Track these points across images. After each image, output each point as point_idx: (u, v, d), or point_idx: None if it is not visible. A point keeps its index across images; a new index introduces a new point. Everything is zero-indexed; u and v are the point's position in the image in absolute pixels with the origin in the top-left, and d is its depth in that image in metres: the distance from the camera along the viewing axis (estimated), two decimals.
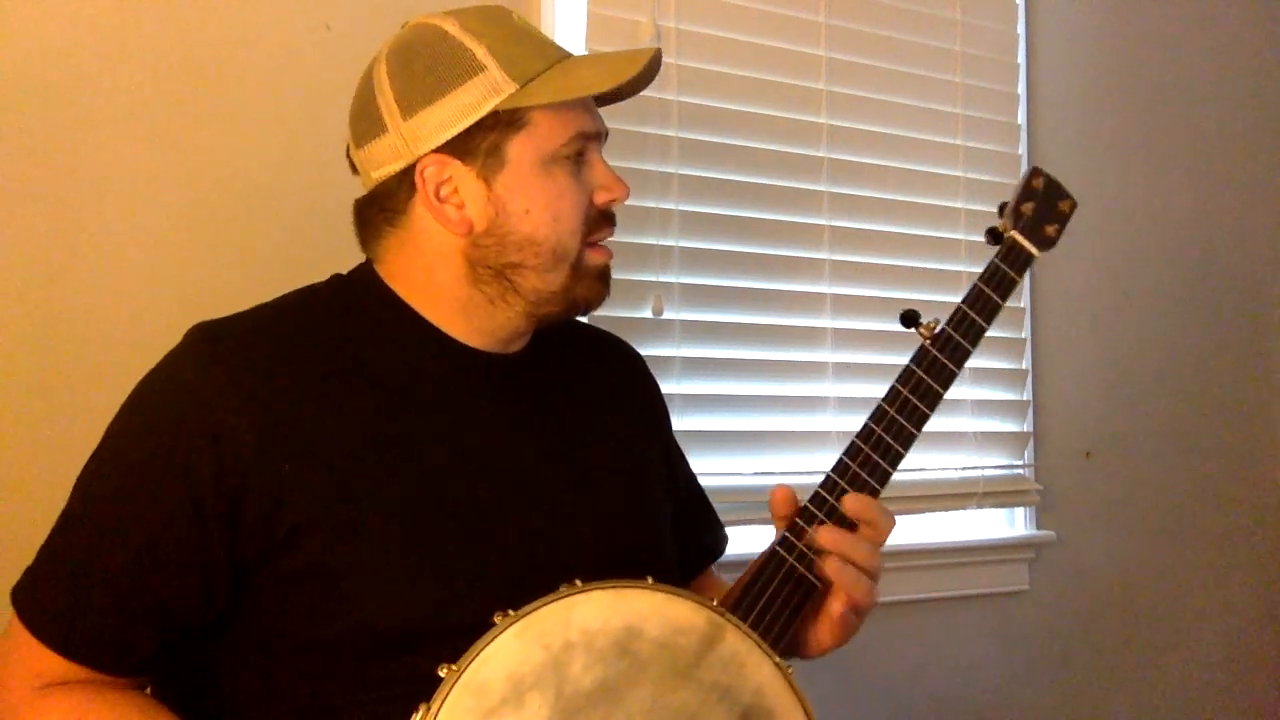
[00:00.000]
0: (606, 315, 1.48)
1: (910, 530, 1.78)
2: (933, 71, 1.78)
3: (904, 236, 1.73)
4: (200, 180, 1.28)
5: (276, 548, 0.83)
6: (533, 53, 0.91)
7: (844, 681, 1.71)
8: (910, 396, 0.97)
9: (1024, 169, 1.89)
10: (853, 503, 0.92)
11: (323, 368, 0.89)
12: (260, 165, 1.31)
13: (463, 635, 0.78)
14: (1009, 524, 1.92)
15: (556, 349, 1.03)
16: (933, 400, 0.98)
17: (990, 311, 1.00)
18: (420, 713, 0.72)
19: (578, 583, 0.77)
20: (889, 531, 0.93)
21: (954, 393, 1.75)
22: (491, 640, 0.73)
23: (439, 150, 0.89)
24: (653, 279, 1.52)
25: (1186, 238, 2.11)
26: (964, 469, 1.77)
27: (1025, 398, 1.88)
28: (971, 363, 1.76)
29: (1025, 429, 1.87)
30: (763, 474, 1.57)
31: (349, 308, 0.95)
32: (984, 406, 1.81)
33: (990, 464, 1.80)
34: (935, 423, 1.72)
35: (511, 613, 0.75)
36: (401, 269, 0.95)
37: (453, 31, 0.90)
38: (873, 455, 0.94)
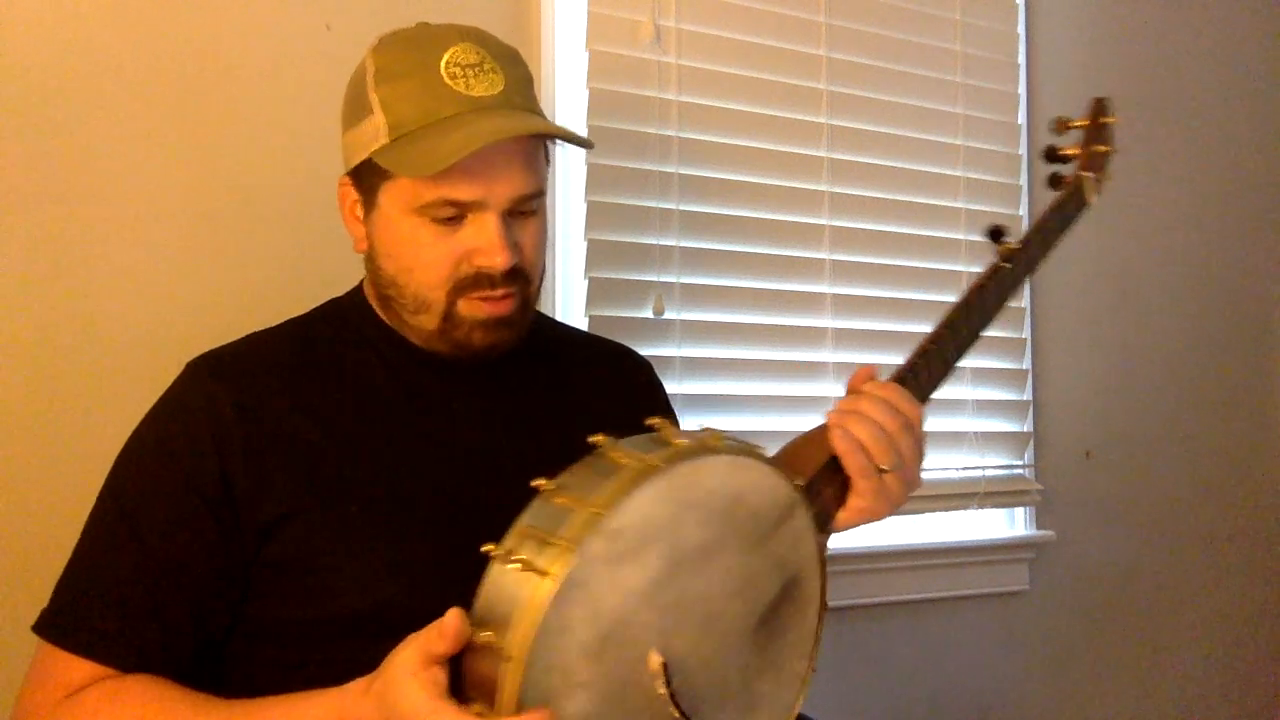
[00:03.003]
0: (607, 315, 1.48)
1: (910, 530, 1.78)
2: (933, 71, 1.78)
3: (904, 236, 1.73)
4: (200, 180, 1.28)
5: (266, 542, 0.88)
6: (424, 103, 0.89)
7: (844, 681, 1.71)
8: (976, 304, 1.01)
9: (1024, 168, 1.90)
10: (870, 385, 0.93)
11: (306, 381, 0.95)
12: (260, 165, 1.31)
13: (413, 625, 0.81)
14: (1009, 524, 1.92)
15: (547, 354, 1.06)
16: (992, 312, 1.03)
17: (1051, 243, 1.09)
18: (559, 546, 0.69)
19: (713, 443, 0.76)
20: (900, 399, 0.91)
21: (955, 392, 1.77)
22: (638, 488, 0.71)
23: (350, 172, 0.95)
24: (653, 279, 1.52)
25: (1186, 238, 2.11)
26: (964, 469, 1.77)
27: (1025, 398, 1.88)
28: (972, 362, 1.79)
29: (1025, 429, 1.87)
30: None
31: (333, 324, 1.01)
32: (985, 406, 1.81)
33: (991, 464, 1.80)
34: (936, 423, 1.75)
35: (608, 445, 0.75)
36: (367, 277, 1.01)
37: (367, 68, 0.93)
38: (935, 356, 0.97)
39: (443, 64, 0.90)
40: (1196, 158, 2.13)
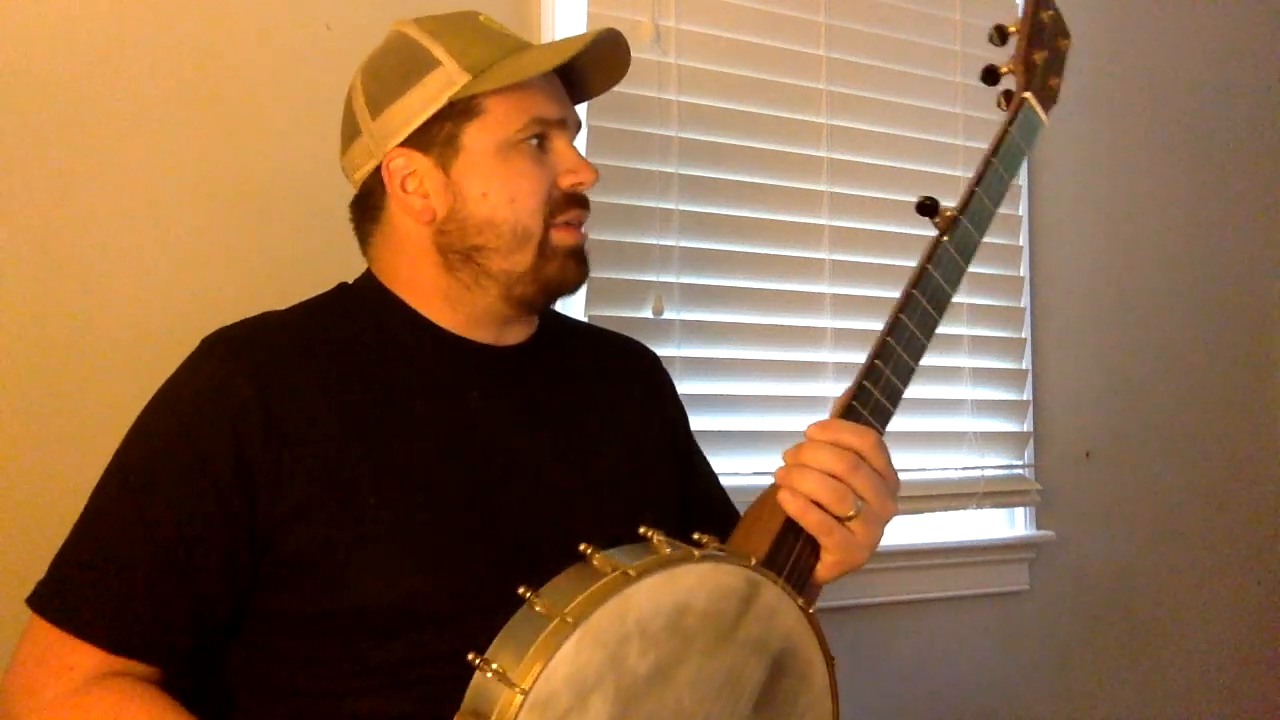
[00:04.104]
0: (607, 315, 1.49)
1: (910, 530, 1.78)
2: (933, 71, 1.78)
3: (904, 237, 1.73)
4: (200, 180, 1.28)
5: (279, 530, 0.86)
6: (488, 46, 0.95)
7: (844, 681, 1.71)
8: (921, 299, 0.91)
9: (1024, 168, 1.90)
10: (811, 429, 0.88)
11: (325, 365, 0.93)
12: (260, 165, 1.31)
13: (456, 616, 0.83)
14: (1009, 524, 1.92)
15: (561, 345, 1.06)
16: (944, 301, 0.93)
17: (1001, 193, 0.96)
18: None
19: (629, 572, 0.73)
20: (845, 434, 0.86)
21: (954, 392, 1.77)
22: (554, 652, 0.70)
23: (403, 145, 0.95)
24: (653, 279, 1.53)
25: (1186, 238, 2.11)
26: (964, 469, 1.77)
27: (1025, 398, 1.88)
28: (971, 362, 1.79)
29: (1025, 429, 1.87)
30: (762, 474, 1.57)
31: (349, 309, 0.99)
32: (984, 406, 1.81)
33: (990, 464, 1.80)
34: (935, 422, 1.75)
35: (534, 596, 0.74)
36: (390, 265, 0.99)
37: (413, 34, 0.97)
38: (886, 371, 0.90)
39: (483, 21, 0.99)
40: (1196, 157, 2.13)
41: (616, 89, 1.49)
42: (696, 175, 1.57)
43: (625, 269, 1.52)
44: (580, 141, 1.47)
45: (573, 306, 1.51)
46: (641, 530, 0.77)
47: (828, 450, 0.85)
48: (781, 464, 0.88)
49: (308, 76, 1.33)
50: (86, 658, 0.84)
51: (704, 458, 1.19)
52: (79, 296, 1.22)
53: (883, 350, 0.90)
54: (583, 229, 0.99)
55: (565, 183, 0.96)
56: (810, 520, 0.83)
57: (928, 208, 0.94)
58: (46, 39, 1.21)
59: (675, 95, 1.55)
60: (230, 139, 1.30)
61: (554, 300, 1.00)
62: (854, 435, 0.86)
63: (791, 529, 0.84)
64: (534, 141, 0.95)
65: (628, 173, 1.52)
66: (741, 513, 1.17)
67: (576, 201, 0.98)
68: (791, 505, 0.83)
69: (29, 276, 1.20)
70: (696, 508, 1.12)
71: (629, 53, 1.02)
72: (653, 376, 1.16)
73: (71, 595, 0.85)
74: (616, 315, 1.50)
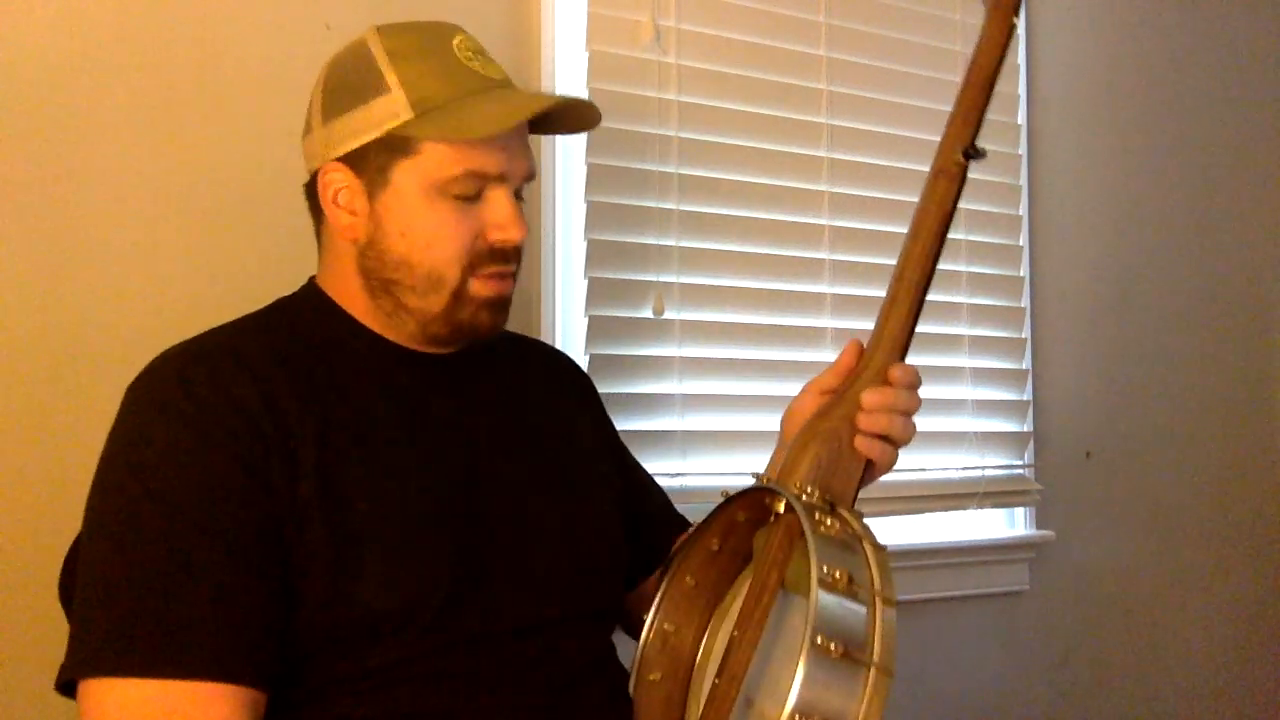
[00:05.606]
0: (607, 315, 1.48)
1: (910, 530, 1.78)
2: (933, 71, 1.78)
3: (904, 237, 1.73)
4: (200, 180, 1.28)
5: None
6: (445, 80, 0.92)
7: None
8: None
9: (1024, 168, 1.91)
10: (899, 373, 1.01)
11: (296, 373, 0.90)
12: (260, 165, 1.31)
13: (446, 617, 0.85)
14: (1009, 524, 1.92)
15: (495, 350, 1.07)
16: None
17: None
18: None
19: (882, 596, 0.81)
20: (917, 379, 0.99)
21: (954, 392, 1.77)
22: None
23: (342, 159, 0.94)
24: (653, 279, 1.52)
25: (1186, 238, 2.11)
26: (964, 469, 1.77)
27: (1025, 398, 1.88)
28: (972, 362, 1.79)
29: (1025, 429, 1.87)
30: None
31: (296, 321, 0.98)
32: (984, 406, 1.81)
33: (991, 464, 1.80)
34: (936, 422, 1.75)
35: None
36: (332, 274, 0.99)
37: (375, 51, 0.95)
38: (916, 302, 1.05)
39: (454, 47, 0.95)
40: (1196, 157, 2.13)
41: (617, 89, 1.50)
42: (696, 175, 1.57)
43: (625, 269, 1.51)
44: (579, 142, 1.49)
45: (573, 306, 1.51)
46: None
47: (912, 397, 0.98)
48: None
49: (308, 76, 1.33)
50: (223, 705, 0.77)
51: (629, 452, 1.22)
52: (79, 295, 1.22)
53: (923, 297, 1.03)
54: (509, 279, 0.97)
55: (492, 237, 0.94)
56: (888, 463, 0.97)
57: (979, 154, 1.08)
58: (46, 38, 1.21)
59: (675, 95, 1.55)
60: (230, 139, 1.30)
61: (469, 342, 0.99)
62: (917, 378, 1.00)
63: (867, 467, 0.96)
64: (465, 195, 0.92)
65: (628, 173, 1.52)
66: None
67: (502, 256, 0.95)
68: (881, 459, 0.96)
69: (26, 276, 1.20)
70: (637, 494, 1.18)
71: (598, 112, 1.00)
72: (578, 379, 1.19)
73: (181, 642, 0.77)
74: (616, 315, 1.50)
